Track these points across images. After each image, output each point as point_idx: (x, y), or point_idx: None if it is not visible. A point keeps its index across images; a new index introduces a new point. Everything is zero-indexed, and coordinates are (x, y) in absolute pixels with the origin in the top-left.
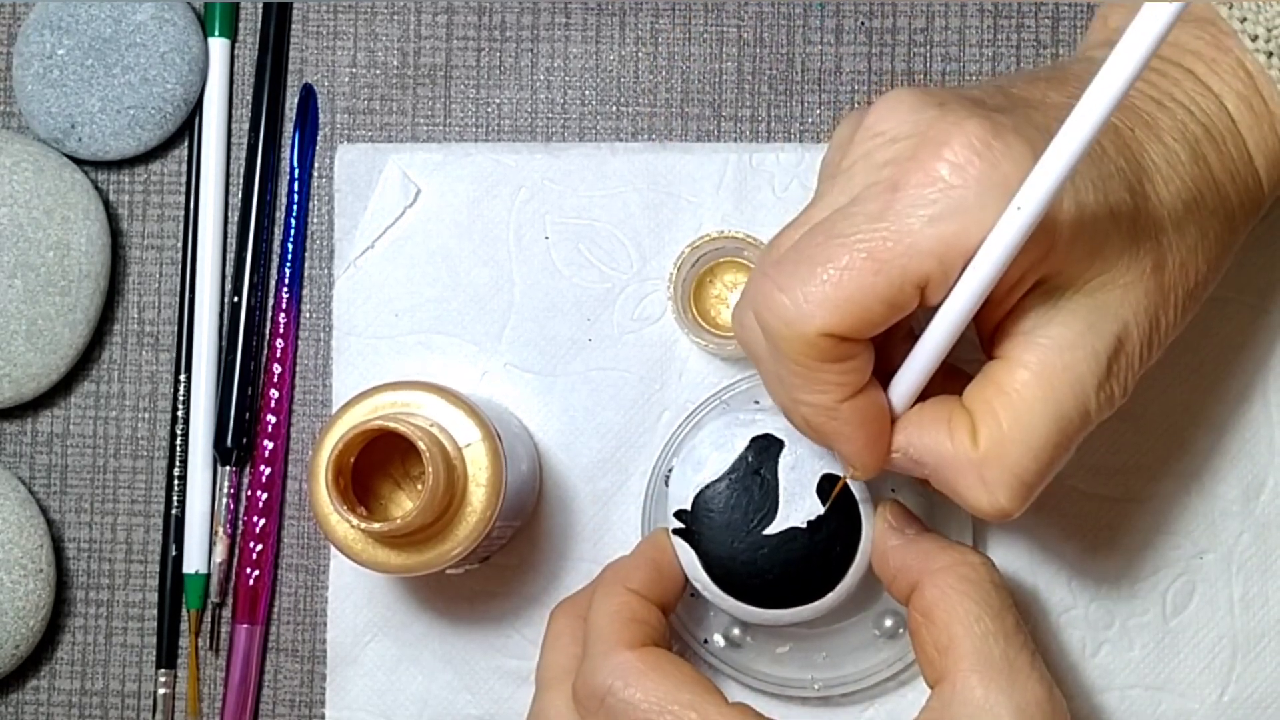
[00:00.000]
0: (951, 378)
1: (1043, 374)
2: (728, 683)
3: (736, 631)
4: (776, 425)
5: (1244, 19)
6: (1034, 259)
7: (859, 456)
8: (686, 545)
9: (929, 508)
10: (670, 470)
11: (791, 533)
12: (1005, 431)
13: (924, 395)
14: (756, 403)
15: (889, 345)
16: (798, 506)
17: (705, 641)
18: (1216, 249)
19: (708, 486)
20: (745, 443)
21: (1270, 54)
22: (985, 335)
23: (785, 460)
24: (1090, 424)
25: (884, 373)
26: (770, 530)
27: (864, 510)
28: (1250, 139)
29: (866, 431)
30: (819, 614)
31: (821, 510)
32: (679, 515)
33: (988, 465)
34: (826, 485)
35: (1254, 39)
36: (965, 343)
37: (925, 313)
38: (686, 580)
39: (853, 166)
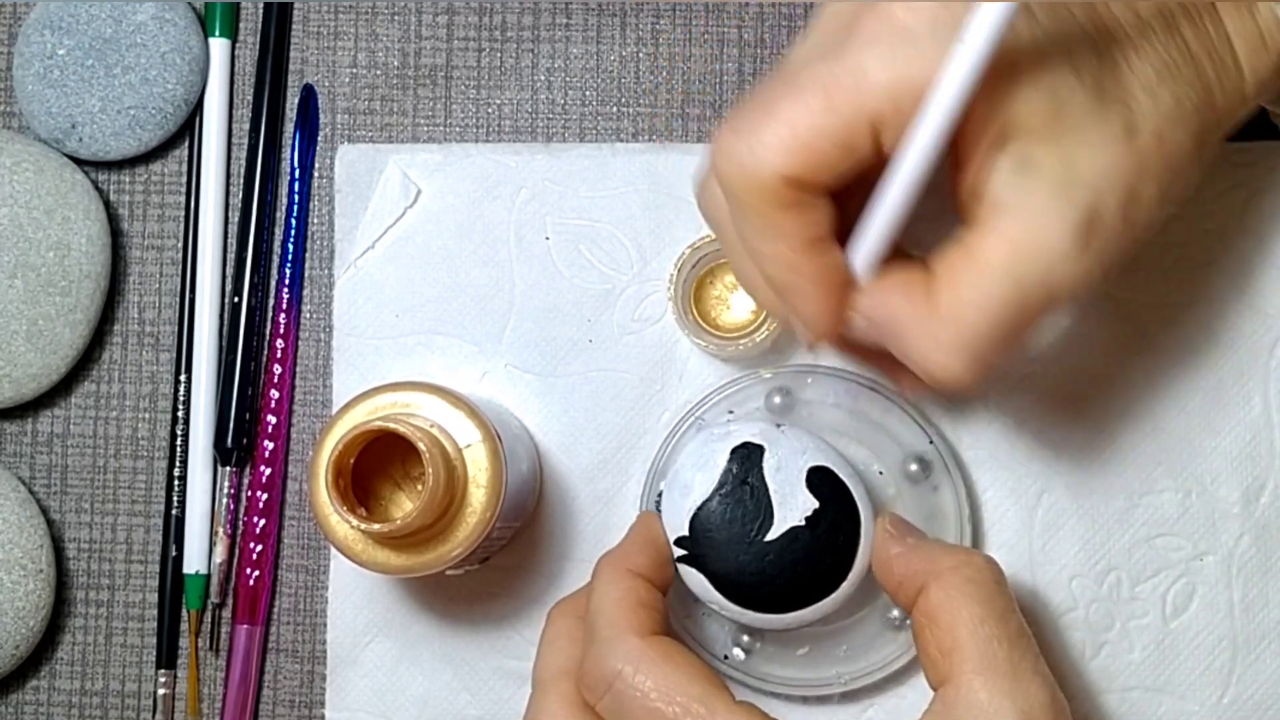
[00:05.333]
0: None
1: (1009, 237)
2: (750, 693)
3: (746, 638)
4: (752, 431)
5: None
6: (993, 102)
7: (817, 317)
8: (693, 570)
9: (927, 519)
10: (660, 496)
11: (793, 533)
12: (963, 294)
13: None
14: (730, 412)
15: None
16: (792, 506)
17: (725, 658)
18: (1196, 122)
19: (700, 508)
20: (726, 456)
21: None
22: (959, 200)
23: (769, 464)
24: (1056, 299)
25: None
26: (771, 536)
27: (857, 494)
28: (1230, 23)
29: (825, 289)
30: (838, 604)
31: (817, 504)
32: (679, 542)
33: (943, 326)
34: (814, 478)
35: None
36: None
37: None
38: (696, 599)
39: (820, 22)
